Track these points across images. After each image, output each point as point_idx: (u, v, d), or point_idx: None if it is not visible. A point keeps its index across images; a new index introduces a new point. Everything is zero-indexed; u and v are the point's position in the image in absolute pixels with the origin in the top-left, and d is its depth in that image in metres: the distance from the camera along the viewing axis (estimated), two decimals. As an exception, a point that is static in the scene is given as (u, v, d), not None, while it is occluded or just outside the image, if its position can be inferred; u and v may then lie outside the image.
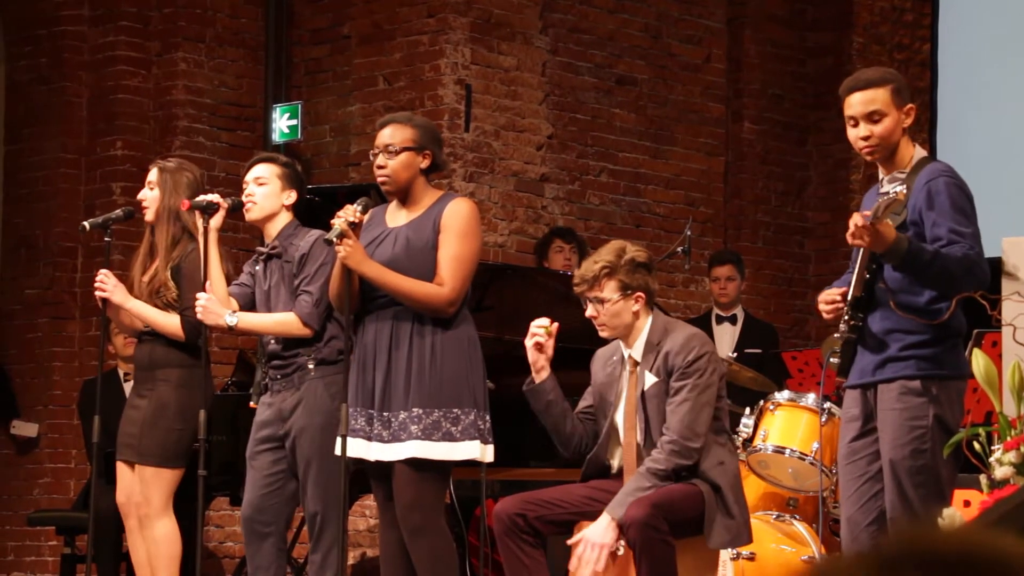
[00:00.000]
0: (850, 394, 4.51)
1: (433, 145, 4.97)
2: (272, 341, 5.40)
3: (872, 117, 4.39)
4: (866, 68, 4.74)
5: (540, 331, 4.83)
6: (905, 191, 4.22)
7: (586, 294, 4.83)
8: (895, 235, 4.19)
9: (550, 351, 4.86)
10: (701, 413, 4.73)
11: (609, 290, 4.80)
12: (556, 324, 4.86)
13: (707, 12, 9.30)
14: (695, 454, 4.72)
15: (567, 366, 5.66)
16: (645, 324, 4.85)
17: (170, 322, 5.65)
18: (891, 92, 4.39)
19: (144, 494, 5.67)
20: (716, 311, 8.05)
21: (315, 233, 5.36)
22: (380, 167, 4.93)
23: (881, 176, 4.51)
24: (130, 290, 5.73)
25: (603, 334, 4.90)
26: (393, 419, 4.85)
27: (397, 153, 4.91)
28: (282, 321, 5.34)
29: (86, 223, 5.90)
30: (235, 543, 8.35)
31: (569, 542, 4.74)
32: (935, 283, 4.27)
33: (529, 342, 4.84)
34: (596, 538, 4.63)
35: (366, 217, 4.92)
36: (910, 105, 4.43)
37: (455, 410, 4.84)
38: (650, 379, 4.80)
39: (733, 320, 8.01)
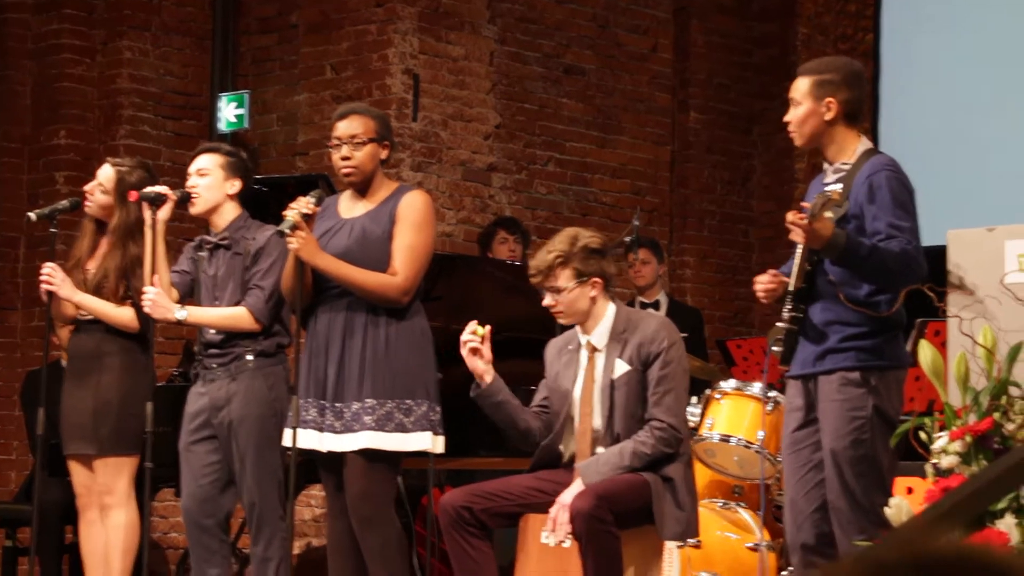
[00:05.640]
0: (792, 384, 4.55)
1: (391, 136, 5.00)
2: (212, 330, 5.37)
3: (791, 103, 4.49)
4: (824, 57, 4.74)
5: (472, 337, 4.80)
6: (841, 190, 4.27)
7: (542, 284, 4.84)
8: (832, 230, 4.23)
9: (488, 354, 4.81)
10: (683, 400, 4.78)
11: (564, 279, 4.80)
12: (488, 327, 4.83)
13: (654, 2, 9.32)
14: (678, 444, 4.74)
15: (518, 355, 5.67)
16: (605, 310, 4.85)
17: (122, 314, 5.59)
18: (812, 83, 4.44)
19: (108, 484, 5.60)
20: (639, 298, 8.01)
21: (271, 228, 5.32)
22: (345, 158, 4.89)
23: (825, 166, 4.54)
24: (76, 284, 5.67)
25: (562, 321, 4.91)
26: (346, 410, 4.84)
27: (364, 144, 4.90)
28: (232, 315, 5.31)
29: (32, 213, 5.83)
30: (179, 534, 8.31)
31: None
32: (872, 277, 4.32)
33: (464, 350, 4.80)
34: (568, 502, 4.63)
35: (319, 209, 4.90)
36: (829, 99, 4.42)
37: (408, 401, 4.83)
38: (621, 367, 4.78)
39: (656, 306, 7.97)
